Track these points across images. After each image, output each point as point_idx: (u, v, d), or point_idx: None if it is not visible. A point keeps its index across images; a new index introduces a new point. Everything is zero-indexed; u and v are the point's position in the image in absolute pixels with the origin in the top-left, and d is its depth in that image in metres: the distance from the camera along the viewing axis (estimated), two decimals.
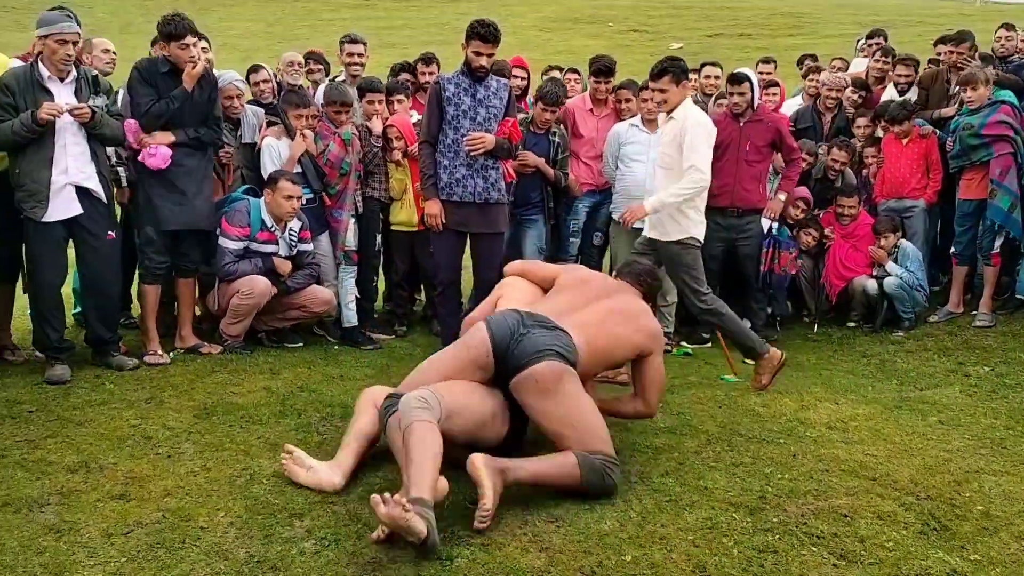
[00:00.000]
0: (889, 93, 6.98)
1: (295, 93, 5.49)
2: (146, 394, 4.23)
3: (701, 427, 3.99)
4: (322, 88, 5.86)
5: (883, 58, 7.28)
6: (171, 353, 4.87)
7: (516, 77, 6.13)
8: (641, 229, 5.47)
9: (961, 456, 3.72)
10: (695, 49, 25.87)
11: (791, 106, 7.33)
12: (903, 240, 6.07)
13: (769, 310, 6.14)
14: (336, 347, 5.37)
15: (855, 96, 6.84)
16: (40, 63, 4.27)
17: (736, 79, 5.62)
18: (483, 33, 4.62)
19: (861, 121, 6.62)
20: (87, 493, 3.10)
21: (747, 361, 5.44)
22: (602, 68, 5.96)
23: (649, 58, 26.11)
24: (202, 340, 5.04)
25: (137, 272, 5.12)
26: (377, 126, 5.54)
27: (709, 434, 3.90)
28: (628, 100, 5.99)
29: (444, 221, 4.80)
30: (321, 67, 6.57)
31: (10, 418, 3.87)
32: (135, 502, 3.04)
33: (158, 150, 4.62)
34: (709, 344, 5.88)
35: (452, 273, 4.97)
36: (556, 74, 6.82)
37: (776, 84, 6.98)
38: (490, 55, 4.68)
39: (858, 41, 8.83)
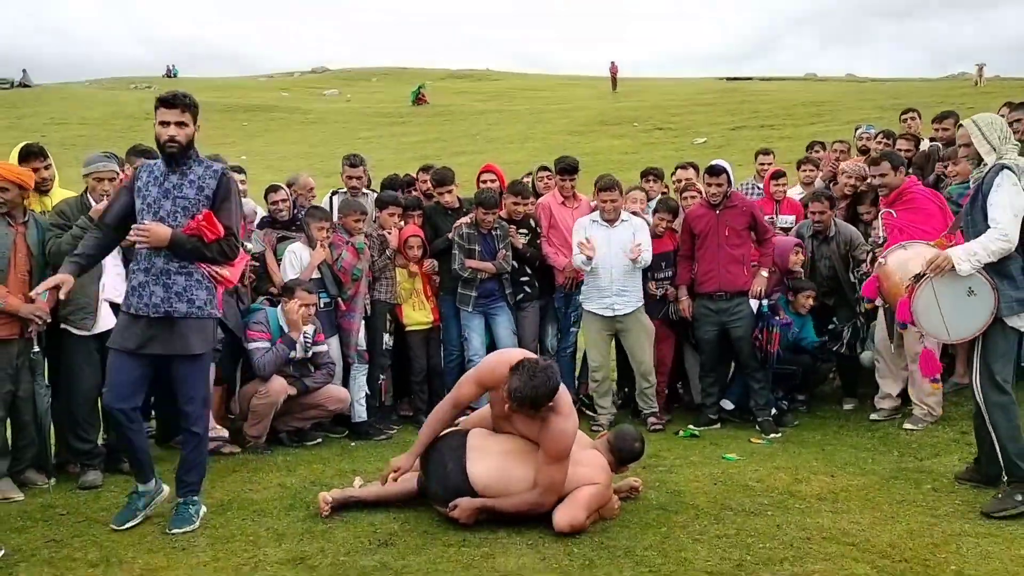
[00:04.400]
0: None
1: (318, 208, 6.02)
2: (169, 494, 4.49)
3: (692, 503, 4.13)
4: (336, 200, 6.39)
5: (884, 140, 7.56)
6: None
7: (486, 182, 6.57)
8: (608, 317, 5.89)
9: (947, 521, 3.78)
10: (718, 143, 26.57)
11: (794, 195, 7.56)
12: None
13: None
14: (352, 444, 5.63)
15: (862, 185, 7.04)
16: (89, 195, 4.83)
17: (713, 171, 5.98)
18: (164, 97, 3.81)
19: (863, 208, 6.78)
20: None
21: (753, 441, 5.57)
22: (566, 167, 6.43)
23: (673, 154, 26.78)
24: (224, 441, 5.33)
25: None
26: (393, 237, 5.97)
27: (699, 508, 4.03)
28: (613, 201, 6.01)
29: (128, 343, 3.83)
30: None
31: (43, 521, 4.15)
32: None
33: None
34: (718, 425, 6.00)
35: (120, 401, 3.84)
36: (527, 179, 7.22)
37: (783, 174, 7.23)
38: (180, 123, 3.75)
39: (857, 129, 9.10)
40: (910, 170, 7.02)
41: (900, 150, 7.12)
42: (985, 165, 4.04)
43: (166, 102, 3.77)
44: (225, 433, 5.16)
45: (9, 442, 4.63)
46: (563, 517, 3.72)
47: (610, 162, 22.52)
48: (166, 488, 4.08)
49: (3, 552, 3.60)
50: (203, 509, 4.03)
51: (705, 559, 3.39)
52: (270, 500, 4.33)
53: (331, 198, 6.86)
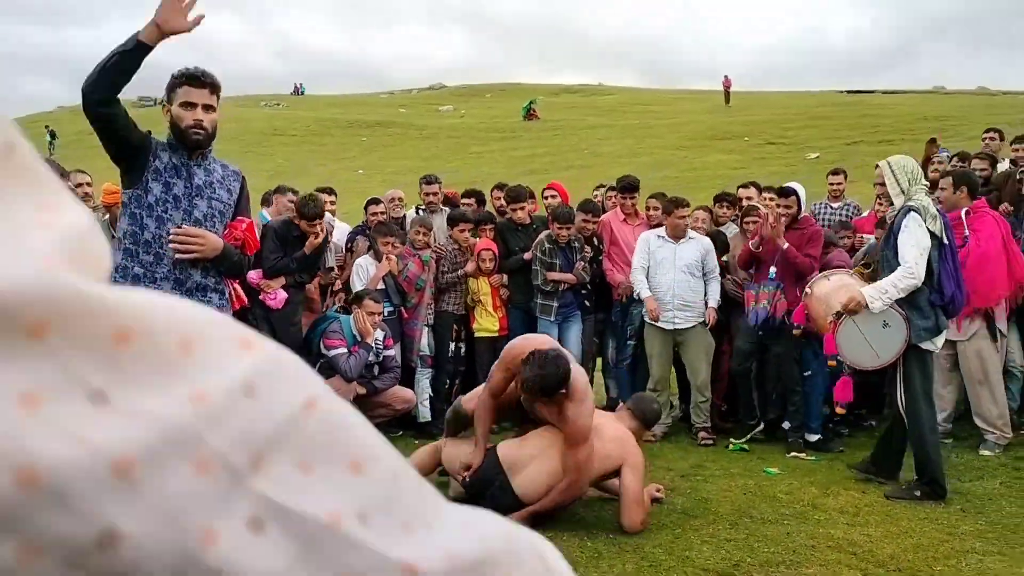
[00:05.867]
0: None
1: (385, 224, 6.47)
2: None
3: (715, 510, 4.31)
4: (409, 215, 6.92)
5: (960, 163, 7.43)
6: None
7: (547, 198, 6.88)
8: (669, 331, 6.05)
9: (961, 539, 3.83)
10: (832, 158, 25.83)
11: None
12: None
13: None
14: (416, 442, 6.04)
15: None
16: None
17: (784, 192, 6.06)
18: (192, 74, 3.17)
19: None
20: None
21: (798, 456, 5.65)
22: (627, 186, 6.68)
23: (784, 169, 26.31)
24: None
25: None
26: (471, 265, 6.42)
27: (718, 515, 4.21)
28: (682, 217, 6.25)
29: None
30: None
31: None
32: None
33: (277, 294, 5.62)
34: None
35: None
36: (598, 192, 7.55)
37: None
38: (207, 106, 3.17)
39: (942, 152, 8.92)
40: (988, 190, 6.90)
41: (976, 170, 6.99)
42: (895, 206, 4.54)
43: (194, 79, 3.16)
44: None
45: None
46: (633, 521, 3.91)
47: (717, 177, 22.38)
48: None
49: None
50: None
51: (707, 558, 3.60)
52: None
53: (416, 211, 7.38)
